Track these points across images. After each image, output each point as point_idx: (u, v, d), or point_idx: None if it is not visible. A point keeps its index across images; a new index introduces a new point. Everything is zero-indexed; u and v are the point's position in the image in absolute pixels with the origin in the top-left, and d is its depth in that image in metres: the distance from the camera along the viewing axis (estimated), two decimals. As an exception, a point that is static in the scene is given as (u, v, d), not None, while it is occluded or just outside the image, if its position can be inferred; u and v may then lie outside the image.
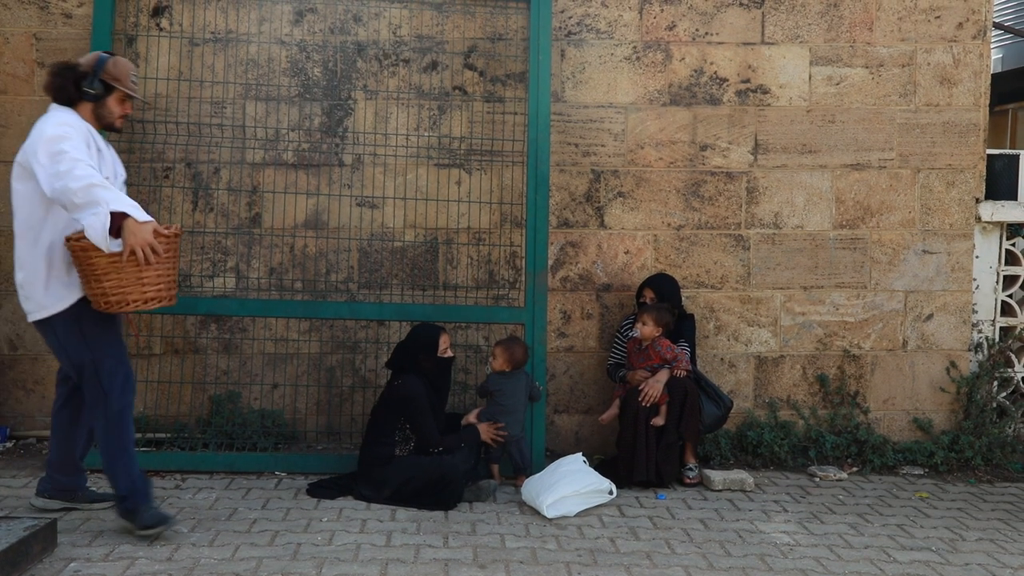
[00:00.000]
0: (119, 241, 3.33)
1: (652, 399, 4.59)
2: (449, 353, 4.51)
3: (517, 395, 4.54)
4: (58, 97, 3.63)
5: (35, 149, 3.43)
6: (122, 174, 3.87)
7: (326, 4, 5.04)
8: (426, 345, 4.41)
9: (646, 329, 4.69)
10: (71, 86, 3.60)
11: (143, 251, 3.34)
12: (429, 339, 4.44)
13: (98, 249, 3.31)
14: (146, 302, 3.45)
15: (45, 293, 3.54)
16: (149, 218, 3.40)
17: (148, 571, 3.33)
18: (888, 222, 5.33)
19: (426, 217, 5.10)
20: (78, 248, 3.39)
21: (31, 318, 3.60)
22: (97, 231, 3.29)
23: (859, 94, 5.29)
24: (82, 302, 3.55)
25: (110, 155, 3.76)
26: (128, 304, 3.43)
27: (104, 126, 3.72)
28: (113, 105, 3.68)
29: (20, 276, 3.58)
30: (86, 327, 3.57)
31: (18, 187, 3.55)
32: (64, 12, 4.96)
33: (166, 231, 3.43)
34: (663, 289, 4.91)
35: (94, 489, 4.01)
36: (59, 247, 3.51)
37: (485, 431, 4.43)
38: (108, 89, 3.64)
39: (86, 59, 3.67)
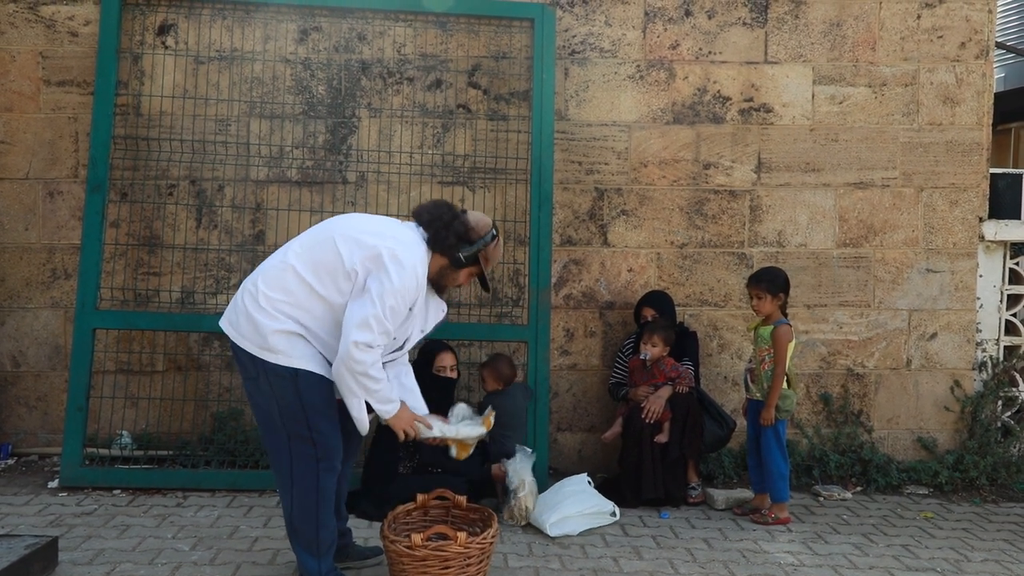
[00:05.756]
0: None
1: (655, 415, 4.57)
2: (449, 373, 4.49)
3: (513, 410, 4.52)
4: (428, 231, 3.25)
5: (377, 273, 3.07)
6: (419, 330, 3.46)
7: (331, 23, 5.07)
8: (419, 361, 4.41)
9: (656, 350, 4.69)
10: (452, 239, 3.25)
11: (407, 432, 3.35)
12: (426, 354, 4.48)
13: (411, 553, 3.16)
14: None
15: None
16: None
17: (149, 590, 3.32)
18: (891, 241, 5.33)
19: (429, 234, 5.11)
20: (392, 551, 3.26)
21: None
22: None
23: (862, 113, 5.30)
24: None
25: (421, 309, 3.34)
26: None
27: (435, 284, 3.35)
28: (462, 276, 3.36)
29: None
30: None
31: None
32: (70, 30, 4.99)
33: (480, 544, 3.27)
34: (664, 306, 4.92)
35: (360, 544, 3.75)
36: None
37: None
38: (472, 263, 3.33)
39: (479, 225, 3.31)
